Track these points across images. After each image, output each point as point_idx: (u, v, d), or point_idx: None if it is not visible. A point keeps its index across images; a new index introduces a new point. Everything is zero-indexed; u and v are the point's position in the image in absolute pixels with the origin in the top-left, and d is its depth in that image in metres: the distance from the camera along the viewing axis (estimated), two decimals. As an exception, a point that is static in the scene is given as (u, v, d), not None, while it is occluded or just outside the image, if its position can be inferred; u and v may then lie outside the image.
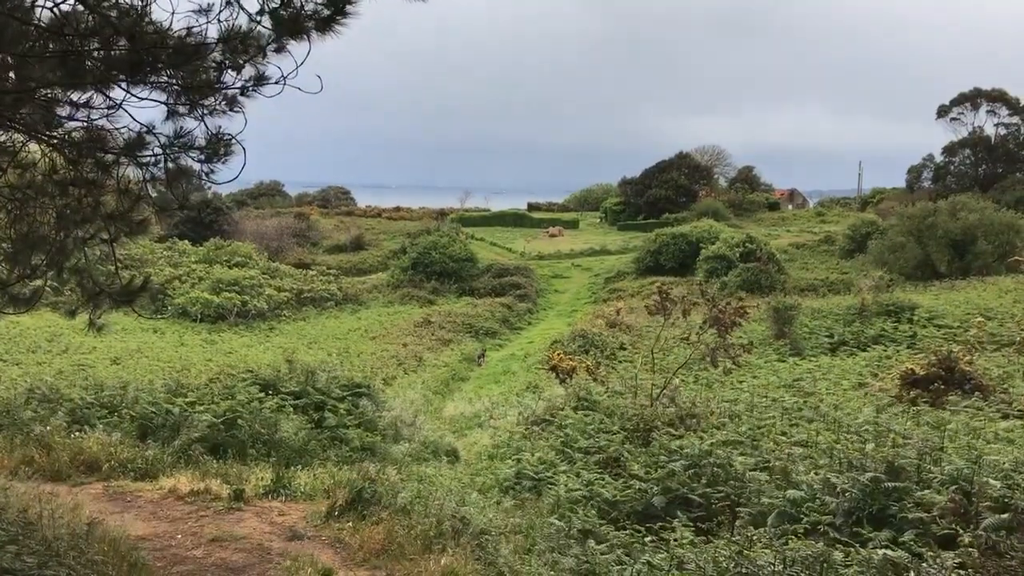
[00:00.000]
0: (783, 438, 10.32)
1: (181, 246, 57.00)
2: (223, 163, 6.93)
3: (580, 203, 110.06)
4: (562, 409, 13.78)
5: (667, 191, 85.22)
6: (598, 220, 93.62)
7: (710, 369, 20.95)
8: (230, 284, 44.88)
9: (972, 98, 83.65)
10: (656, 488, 8.77)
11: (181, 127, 6.99)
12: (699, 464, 9.09)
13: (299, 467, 11.41)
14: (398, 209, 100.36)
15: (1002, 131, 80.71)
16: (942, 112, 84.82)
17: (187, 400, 12.83)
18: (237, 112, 7.39)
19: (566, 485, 9.56)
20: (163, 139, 6.93)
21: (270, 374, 14.85)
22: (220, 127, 7.05)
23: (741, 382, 19.94)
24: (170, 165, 7.01)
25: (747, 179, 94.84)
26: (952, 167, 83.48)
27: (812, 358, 24.53)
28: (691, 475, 8.86)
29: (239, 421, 12.17)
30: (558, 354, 16.88)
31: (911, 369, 14.75)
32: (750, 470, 8.66)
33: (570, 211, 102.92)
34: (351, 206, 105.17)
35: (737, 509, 7.78)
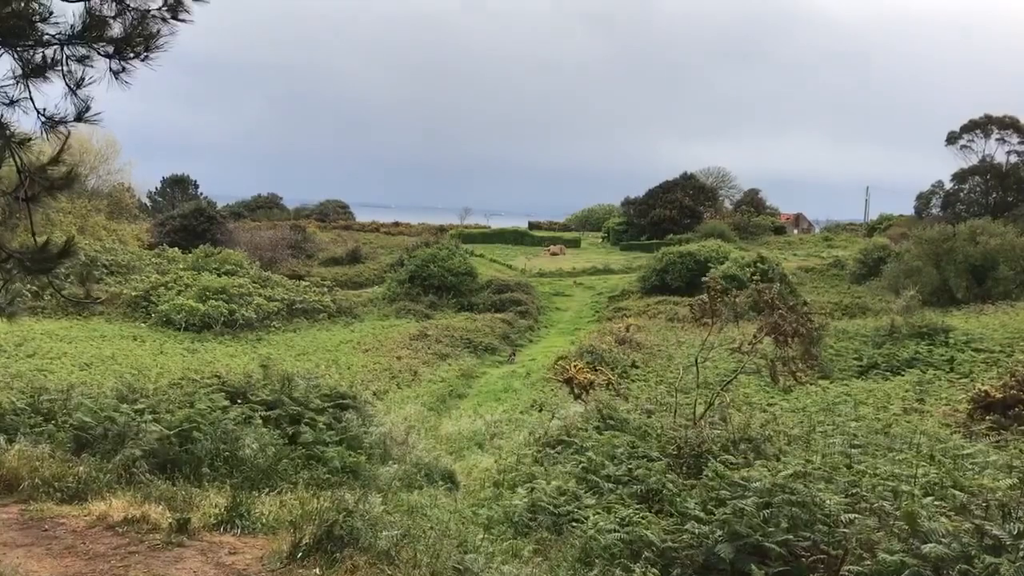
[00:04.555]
0: (866, 469, 8.24)
1: (170, 253, 54.96)
2: (142, 60, 4.92)
3: (581, 223, 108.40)
4: (582, 429, 11.69)
5: (671, 212, 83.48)
6: (600, 240, 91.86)
7: (733, 389, 18.92)
8: (217, 292, 42.70)
9: (983, 125, 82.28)
10: (719, 532, 6.68)
11: (92, 11, 4.99)
12: (771, 502, 7.00)
13: (265, 491, 9.32)
14: (397, 224, 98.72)
15: (1013, 158, 79.33)
16: (951, 139, 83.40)
17: (136, 408, 10.73)
18: (183, 21, 5.39)
19: (596, 524, 7.46)
20: (63, 26, 4.94)
21: (240, 381, 12.75)
22: (148, 11, 5.05)
23: (771, 405, 17.93)
24: (72, 64, 5.00)
25: (753, 202, 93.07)
26: (962, 194, 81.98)
27: (842, 381, 22.53)
28: (766, 516, 6.77)
29: (195, 433, 10.07)
30: (575, 365, 14.81)
31: (984, 391, 12.72)
32: (846, 510, 6.58)
33: (571, 231, 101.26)
34: (349, 220, 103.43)
35: (844, 567, 5.71)
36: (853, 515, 6.48)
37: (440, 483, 11.70)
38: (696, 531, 6.73)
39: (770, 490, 7.17)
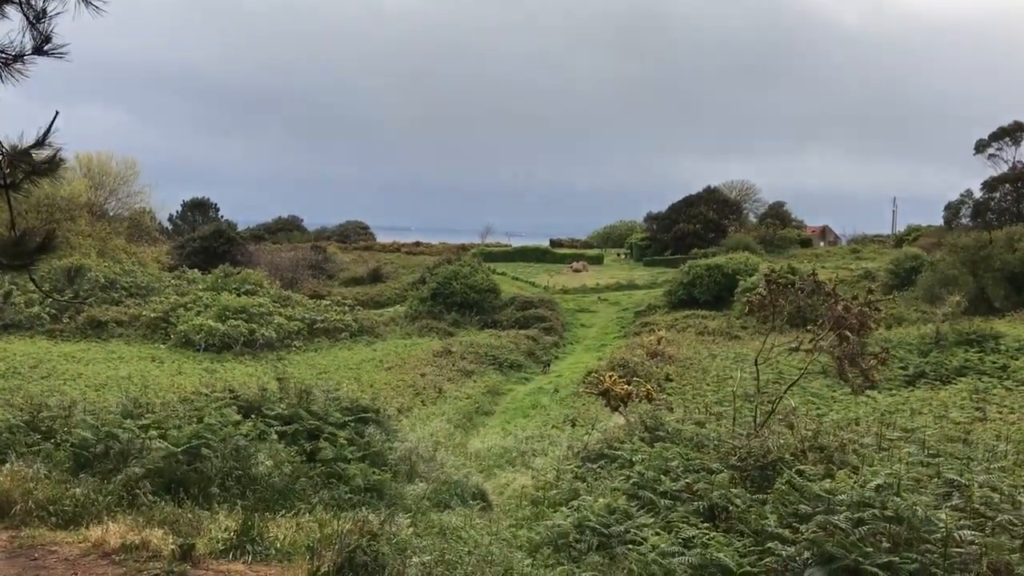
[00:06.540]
0: (964, 480, 7.19)
1: (190, 275, 54.50)
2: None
3: (603, 240, 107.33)
4: (625, 442, 10.68)
5: (695, 226, 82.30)
6: (622, 256, 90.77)
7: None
8: (237, 312, 41.99)
9: (1012, 132, 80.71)
10: (808, 554, 5.67)
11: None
12: (863, 517, 5.99)
13: (280, 512, 8.42)
14: (418, 244, 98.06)
15: (1045, 165, 77.56)
16: (980, 147, 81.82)
17: (140, 424, 9.85)
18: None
19: (656, 546, 6.47)
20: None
21: (254, 395, 11.86)
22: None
23: (820, 415, 16.83)
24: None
25: (778, 215, 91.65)
26: (993, 203, 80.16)
27: (890, 392, 21.34)
28: (862, 534, 5.76)
29: (204, 450, 9.19)
30: (611, 376, 13.85)
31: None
32: (960, 527, 5.56)
33: (593, 247, 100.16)
34: (370, 241, 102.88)
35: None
36: (971, 532, 5.46)
37: (472, 502, 10.72)
38: (781, 552, 5.73)
39: (859, 504, 6.17)
